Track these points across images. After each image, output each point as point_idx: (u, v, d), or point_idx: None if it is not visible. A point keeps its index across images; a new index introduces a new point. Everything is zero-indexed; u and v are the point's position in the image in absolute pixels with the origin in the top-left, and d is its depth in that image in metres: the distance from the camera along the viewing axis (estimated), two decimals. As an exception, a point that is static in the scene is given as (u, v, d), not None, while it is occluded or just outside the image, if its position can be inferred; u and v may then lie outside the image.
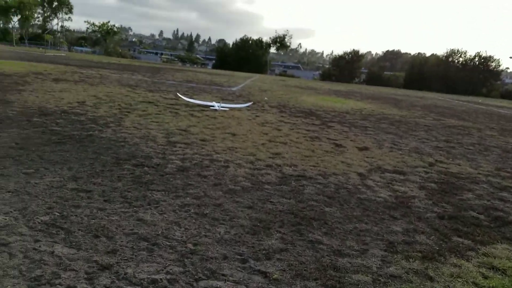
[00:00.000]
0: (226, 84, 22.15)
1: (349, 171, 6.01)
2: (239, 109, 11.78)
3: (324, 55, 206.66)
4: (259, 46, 62.24)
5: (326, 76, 65.55)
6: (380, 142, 8.84)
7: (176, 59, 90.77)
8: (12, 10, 59.44)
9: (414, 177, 6.18)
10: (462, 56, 65.08)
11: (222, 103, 12.25)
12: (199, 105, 11.43)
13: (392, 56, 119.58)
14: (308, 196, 4.65)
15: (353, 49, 66.49)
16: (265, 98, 16.45)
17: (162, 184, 4.49)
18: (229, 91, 18.27)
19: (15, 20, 68.63)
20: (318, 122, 10.85)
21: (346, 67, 64.16)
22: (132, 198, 3.96)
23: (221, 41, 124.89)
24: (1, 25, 67.83)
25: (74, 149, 5.55)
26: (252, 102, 13.15)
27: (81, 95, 10.86)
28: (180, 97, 11.94)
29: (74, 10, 72.24)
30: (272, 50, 66.35)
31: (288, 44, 63.58)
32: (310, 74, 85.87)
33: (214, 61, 73.49)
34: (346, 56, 65.70)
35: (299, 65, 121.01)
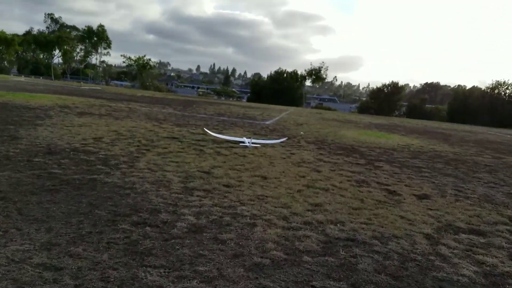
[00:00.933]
0: (259, 118, 21.25)
1: (413, 232, 4.64)
2: (272, 146, 10.65)
3: (361, 87, 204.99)
4: (294, 78, 61.80)
5: (364, 109, 63.79)
6: (440, 187, 7.36)
7: (212, 93, 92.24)
8: (52, 45, 62.65)
9: (497, 239, 4.74)
10: (510, 88, 61.60)
11: (254, 138, 11.19)
12: (227, 141, 10.41)
13: (431, 89, 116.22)
14: (365, 276, 3.35)
15: (392, 81, 64.75)
16: (301, 132, 15.29)
17: (164, 255, 3.34)
18: (262, 125, 17.28)
19: (56, 54, 72.42)
20: (363, 161, 9.50)
21: (385, 100, 62.24)
22: (116, 282, 2.82)
23: (257, 74, 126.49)
24: (46, 60, 71.73)
25: (67, 199, 4.55)
26: (286, 138, 12.01)
27: (101, 130, 10.14)
28: (207, 132, 11.00)
29: (116, 47, 75.71)
30: (308, 83, 65.72)
31: (324, 76, 62.78)
32: (347, 107, 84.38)
33: (248, 94, 73.79)
34: (385, 89, 63.92)
35: (335, 97, 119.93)
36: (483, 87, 63.51)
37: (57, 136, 8.57)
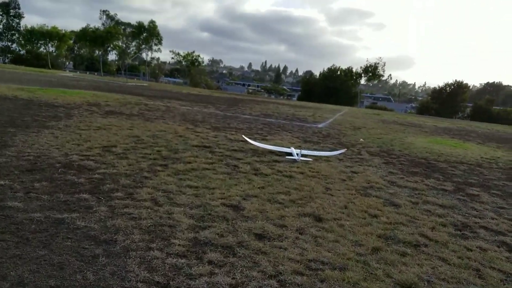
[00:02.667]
0: (310, 119, 18.98)
1: None
2: (327, 159, 8.45)
3: (416, 86, 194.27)
4: (348, 76, 58.30)
5: (423, 109, 58.83)
6: None
7: (261, 90, 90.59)
8: (101, 40, 63.60)
9: None
10: None
11: (304, 148, 9.04)
12: (271, 152, 8.35)
13: (492, 89, 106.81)
14: None
15: (456, 80, 59.22)
16: (361, 139, 12.87)
17: None
18: (314, 128, 15.03)
19: (111, 51, 73.87)
20: (450, 187, 7.04)
21: (448, 100, 56.94)
22: None
23: (308, 72, 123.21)
24: (102, 57, 73.56)
25: (-14, 269, 2.71)
26: (345, 149, 9.69)
27: (119, 136, 8.47)
28: (247, 140, 8.99)
29: (171, 45, 75.99)
30: (362, 81, 61.82)
31: (381, 73, 58.43)
32: (402, 106, 79.00)
33: (299, 93, 71.15)
34: (448, 88, 58.58)
35: (390, 97, 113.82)
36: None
37: (58, 144, 6.95)
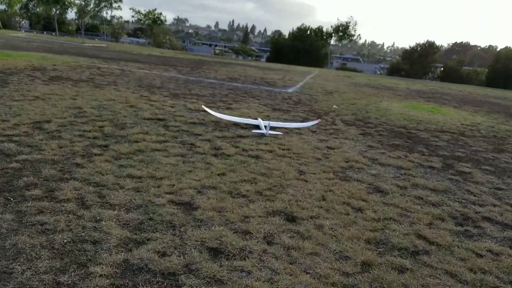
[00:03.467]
0: (280, 83, 17.96)
1: None
2: (299, 131, 7.57)
3: (385, 47, 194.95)
4: (318, 36, 56.86)
5: (394, 70, 58.71)
6: None
7: (229, 51, 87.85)
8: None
9: None
10: None
11: (273, 119, 8.12)
12: (235, 125, 7.37)
13: (460, 49, 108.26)
14: None
15: (427, 40, 59.02)
16: (334, 106, 12.06)
17: None
18: (283, 94, 14.06)
19: (68, 9, 68.64)
20: (436, 162, 6.37)
21: (418, 61, 56.96)
22: None
23: (277, 32, 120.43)
24: (59, 15, 68.08)
25: None
26: (319, 119, 8.81)
27: (58, 107, 7.22)
28: (208, 111, 7.91)
29: (134, 2, 70.92)
30: (333, 41, 60.50)
31: (353, 33, 57.06)
32: (372, 67, 78.77)
33: (268, 54, 69.32)
34: (419, 48, 58.43)
35: (359, 57, 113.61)
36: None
37: (-30, 122, 5.69)
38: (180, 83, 13.27)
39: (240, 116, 8.30)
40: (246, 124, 7.50)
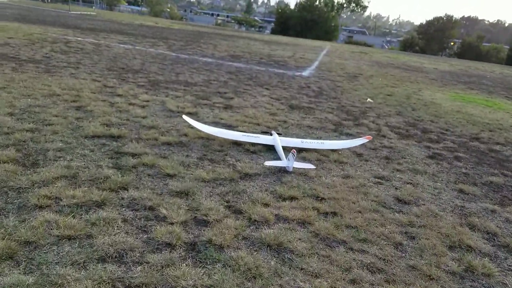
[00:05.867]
0: (291, 63, 14.96)
1: None
2: (339, 155, 4.77)
3: (390, 19, 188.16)
4: (329, 7, 52.78)
5: (408, 45, 55.02)
6: None
7: (232, 21, 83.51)
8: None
9: None
10: None
11: (292, 132, 5.35)
12: (236, 144, 4.57)
13: (468, 23, 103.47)
14: None
15: (446, 14, 55.04)
16: (368, 99, 9.19)
17: None
18: (298, 79, 11.15)
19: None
20: None
21: (435, 36, 53.18)
22: None
23: (281, 1, 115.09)
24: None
25: None
26: (369, 138, 5.76)
27: None
28: (192, 124, 4.95)
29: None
30: (344, 13, 56.40)
31: (366, 4, 52.84)
32: (379, 41, 74.57)
33: (273, 25, 65.22)
34: (436, 22, 54.43)
35: (365, 29, 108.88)
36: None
37: None
38: (166, 64, 10.34)
39: (243, 122, 5.48)
40: (254, 144, 4.69)
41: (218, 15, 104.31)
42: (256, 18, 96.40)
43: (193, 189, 3.36)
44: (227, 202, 3.25)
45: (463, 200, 4.06)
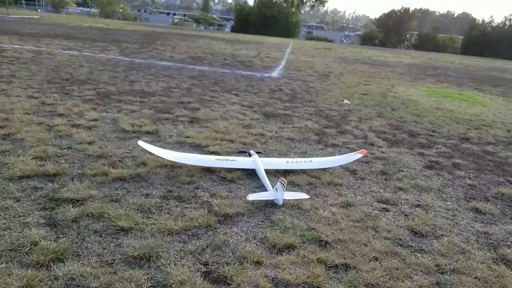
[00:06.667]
0: (258, 63, 14.23)
1: None
2: (331, 176, 4.06)
3: (347, 14, 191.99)
4: (288, 3, 52.48)
5: (367, 39, 55.77)
6: None
7: (189, 20, 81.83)
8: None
9: None
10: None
11: (275, 149, 4.60)
12: (209, 171, 3.75)
13: (420, 15, 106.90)
14: None
15: (403, 7, 56.21)
16: (345, 100, 8.60)
17: None
18: (268, 81, 10.43)
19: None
20: None
21: (394, 29, 54.15)
22: None
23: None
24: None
25: None
26: (363, 152, 4.96)
27: None
28: (150, 151, 4.05)
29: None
30: (304, 8, 56.34)
31: (326, -1, 52.85)
32: (338, 35, 75.50)
33: (232, 23, 64.33)
34: (394, 15, 55.44)
35: (323, 25, 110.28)
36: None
37: None
38: (119, 71, 9.31)
39: (214, 140, 4.68)
40: (230, 169, 3.89)
41: (174, 14, 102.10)
42: (214, 16, 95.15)
43: (157, 249, 2.52)
44: (205, 266, 2.44)
45: (482, 223, 3.46)
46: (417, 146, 5.65)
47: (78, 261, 2.36)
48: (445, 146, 5.82)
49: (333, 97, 8.80)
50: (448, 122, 7.46)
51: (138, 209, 3.00)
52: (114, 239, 2.62)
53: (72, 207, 2.94)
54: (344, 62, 17.89)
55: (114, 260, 2.40)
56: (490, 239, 3.19)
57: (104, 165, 3.76)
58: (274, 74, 11.76)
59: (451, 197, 3.97)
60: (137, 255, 2.45)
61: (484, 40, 54.35)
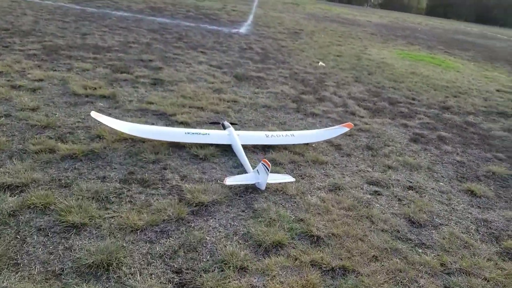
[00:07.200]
0: (224, 17, 13.32)
1: None
2: (316, 152, 3.68)
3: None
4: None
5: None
6: None
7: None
8: None
9: None
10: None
11: (250, 118, 4.14)
12: (176, 147, 3.26)
13: None
14: None
15: (370, -38, 55.01)
16: (319, 62, 8.14)
17: None
18: (237, 37, 9.72)
19: None
20: None
21: (360, -15, 53.26)
22: None
23: None
24: None
25: None
26: (350, 125, 4.23)
27: None
28: (104, 123, 3.39)
29: None
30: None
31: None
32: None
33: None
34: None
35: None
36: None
37: None
38: (68, 22, 8.29)
39: (182, 107, 4.14)
40: (202, 145, 3.41)
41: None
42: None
43: (118, 253, 2.05)
44: (177, 275, 2.01)
45: (479, 208, 3.24)
46: (399, 116, 5.36)
47: (16, 273, 1.85)
48: (427, 116, 5.58)
49: (308, 59, 8.31)
50: (426, 88, 7.22)
51: (93, 198, 2.49)
52: (63, 240, 2.12)
53: (10, 195, 2.39)
54: (314, 19, 17.21)
55: (63, 270, 1.92)
56: (490, 228, 2.95)
57: (50, 138, 3.16)
58: (243, 30, 11.02)
59: (442, 176, 3.71)
60: (93, 262, 1.98)
61: (446, 2, 54.84)
